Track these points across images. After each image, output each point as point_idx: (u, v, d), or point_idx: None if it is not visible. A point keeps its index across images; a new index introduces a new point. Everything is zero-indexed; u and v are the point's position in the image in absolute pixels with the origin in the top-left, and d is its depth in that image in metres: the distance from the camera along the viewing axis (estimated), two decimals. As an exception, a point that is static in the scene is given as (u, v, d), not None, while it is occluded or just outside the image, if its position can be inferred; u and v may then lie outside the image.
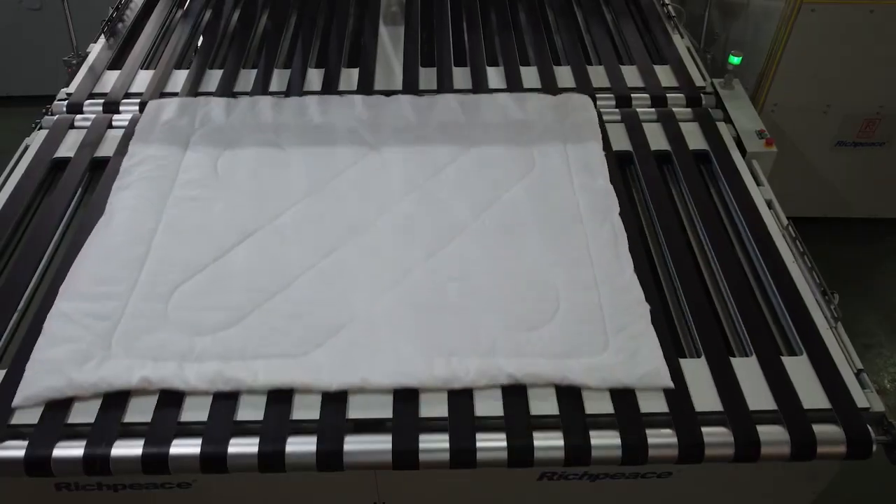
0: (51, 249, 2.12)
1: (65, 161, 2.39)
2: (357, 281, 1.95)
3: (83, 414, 1.67)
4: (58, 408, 1.67)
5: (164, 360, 1.73)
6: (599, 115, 2.52)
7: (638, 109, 2.60)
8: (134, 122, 2.50)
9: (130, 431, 1.64)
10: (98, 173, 2.37)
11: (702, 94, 2.67)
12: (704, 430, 1.65)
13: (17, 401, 1.68)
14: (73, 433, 1.64)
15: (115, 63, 2.85)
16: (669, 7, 3.12)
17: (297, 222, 2.12)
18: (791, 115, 3.02)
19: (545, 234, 2.08)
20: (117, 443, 1.61)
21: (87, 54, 2.90)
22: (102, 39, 2.97)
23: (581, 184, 2.25)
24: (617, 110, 2.60)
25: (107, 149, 2.42)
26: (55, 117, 2.55)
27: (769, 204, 2.27)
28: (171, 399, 1.69)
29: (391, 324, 1.84)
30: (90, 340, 1.77)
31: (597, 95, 2.64)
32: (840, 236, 3.46)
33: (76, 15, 3.01)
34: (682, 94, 2.67)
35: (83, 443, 1.61)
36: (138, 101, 2.62)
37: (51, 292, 1.94)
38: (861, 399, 1.73)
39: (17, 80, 4.29)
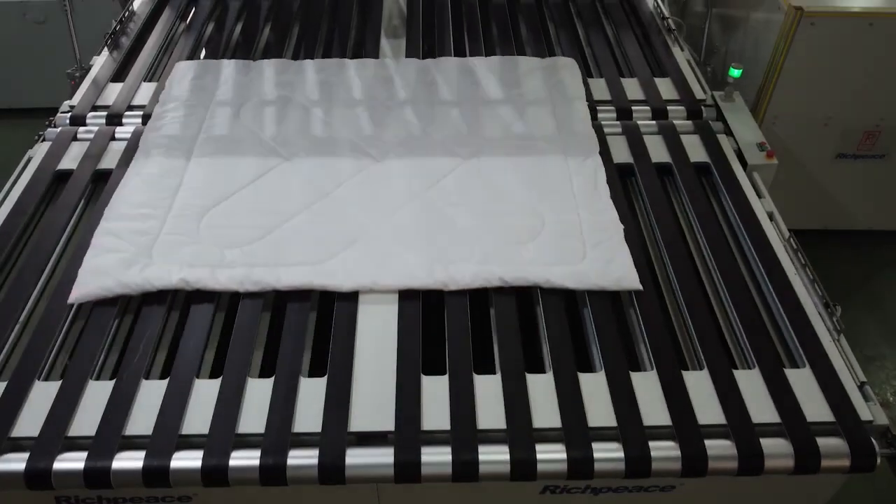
0: (52, 262, 2.12)
1: (67, 173, 2.39)
2: (368, 205, 2.22)
3: (84, 427, 1.66)
4: (58, 420, 1.67)
5: (198, 267, 1.99)
6: (589, 93, 2.70)
7: (639, 122, 2.61)
8: (137, 134, 2.51)
9: (131, 444, 1.64)
10: (101, 185, 2.38)
11: (702, 107, 2.69)
12: (708, 442, 1.65)
13: (72, 297, 1.93)
14: (73, 445, 1.63)
15: (119, 75, 2.86)
16: (669, 20, 3.14)
17: (313, 157, 2.40)
18: (791, 127, 3.02)
19: (533, 169, 2.35)
20: (118, 455, 1.61)
21: (90, 67, 2.92)
22: (106, 52, 2.98)
23: (565, 128, 2.51)
24: (618, 123, 2.60)
25: (109, 161, 2.43)
26: (58, 129, 2.56)
27: (770, 216, 2.27)
28: (172, 411, 1.68)
29: (398, 239, 2.10)
30: (133, 251, 2.04)
31: (598, 108, 2.66)
32: (841, 248, 3.46)
33: (80, 28, 3.03)
34: (682, 107, 2.68)
35: (84, 455, 1.60)
36: (141, 113, 2.63)
37: (52, 304, 1.94)
38: (864, 412, 1.72)
39: (21, 92, 4.31)
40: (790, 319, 1.95)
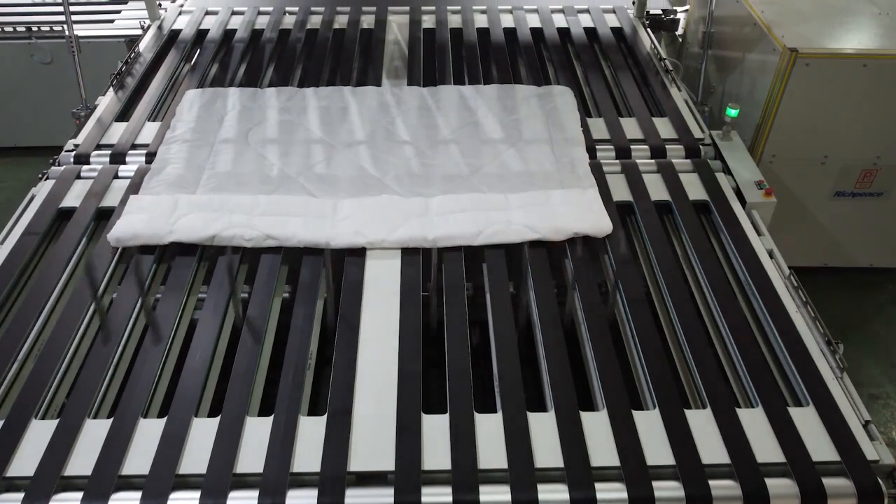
0: (53, 299, 2.12)
1: (70, 211, 2.41)
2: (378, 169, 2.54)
3: (80, 466, 1.64)
4: (54, 461, 1.65)
5: (229, 219, 2.28)
6: (585, 123, 2.81)
7: (638, 161, 2.63)
8: (140, 172, 2.53)
9: (128, 484, 1.62)
10: (103, 223, 2.39)
11: (700, 146, 2.71)
12: (712, 482, 1.63)
13: (111, 236, 2.24)
14: (69, 485, 1.62)
15: (123, 115, 2.90)
16: (666, 62, 3.19)
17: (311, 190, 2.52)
18: (789, 165, 3.05)
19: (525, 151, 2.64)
20: (115, 495, 1.58)
21: (95, 106, 2.96)
22: (111, 92, 3.02)
23: (554, 132, 2.72)
24: (617, 161, 2.63)
25: (112, 199, 2.45)
26: (62, 168, 2.59)
27: (770, 254, 2.27)
28: (170, 450, 1.67)
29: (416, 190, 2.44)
30: (168, 209, 2.32)
31: (597, 147, 2.68)
32: (840, 286, 3.46)
33: (87, 68, 3.08)
34: (681, 146, 2.71)
35: (80, 495, 1.58)
36: (145, 152, 2.66)
37: (52, 342, 1.93)
38: (870, 451, 1.70)
39: (27, 130, 4.37)
40: (792, 358, 1.94)
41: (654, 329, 2.01)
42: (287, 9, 3.62)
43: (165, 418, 1.75)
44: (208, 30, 3.47)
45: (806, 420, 1.77)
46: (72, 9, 3.63)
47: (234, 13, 3.60)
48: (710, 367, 1.90)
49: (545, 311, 2.06)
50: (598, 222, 2.31)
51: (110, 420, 1.75)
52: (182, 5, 3.71)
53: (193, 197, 2.38)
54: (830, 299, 3.37)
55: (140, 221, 2.27)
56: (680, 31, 3.90)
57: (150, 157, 2.62)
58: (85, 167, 2.59)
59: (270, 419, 1.75)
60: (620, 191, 2.50)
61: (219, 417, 1.75)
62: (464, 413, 1.76)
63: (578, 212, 2.33)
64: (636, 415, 1.77)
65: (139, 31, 3.63)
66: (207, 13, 3.61)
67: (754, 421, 1.76)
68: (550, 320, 2.03)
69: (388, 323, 2.01)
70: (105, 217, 2.40)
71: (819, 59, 2.79)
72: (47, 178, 2.56)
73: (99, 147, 2.70)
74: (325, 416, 1.75)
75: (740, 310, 2.11)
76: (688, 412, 1.78)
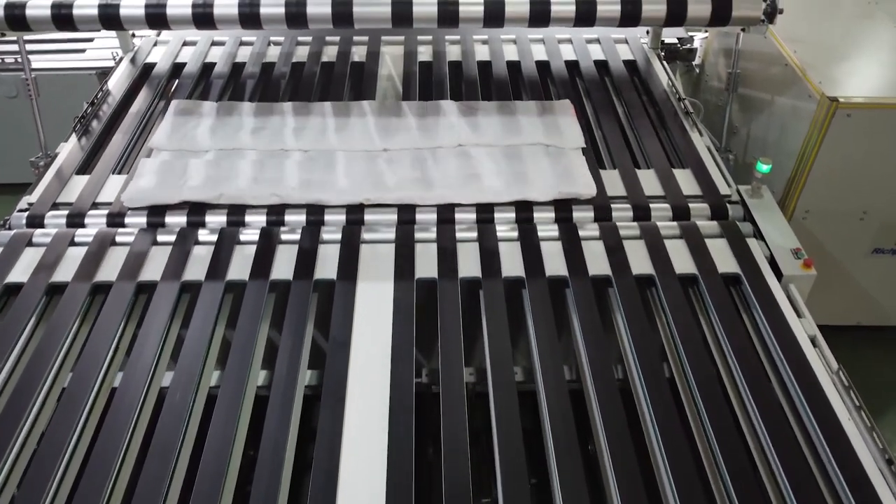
0: None
1: (18, 286, 2.12)
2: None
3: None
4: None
5: (232, 185, 2.40)
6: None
7: (659, 223, 2.35)
8: (99, 237, 2.25)
9: None
10: (56, 298, 2.11)
11: (728, 204, 2.43)
12: None
13: (125, 197, 2.35)
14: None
15: (86, 166, 2.62)
16: (686, 102, 2.90)
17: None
18: (824, 221, 2.77)
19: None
20: None
21: (56, 155, 2.67)
22: (74, 138, 2.74)
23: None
24: (635, 224, 2.34)
25: (65, 272, 2.16)
26: (11, 233, 2.30)
27: (813, 341, 2.00)
28: None
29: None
30: (177, 176, 2.44)
31: (612, 205, 2.40)
32: (874, 346, 3.18)
33: (54, 103, 2.81)
34: (705, 204, 2.43)
35: None
36: (106, 212, 2.37)
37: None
38: None
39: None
40: (846, 477, 1.66)
41: (678, 425, 1.76)
42: (272, 38, 3.33)
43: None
44: (185, 63, 3.19)
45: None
46: (38, 37, 3.35)
47: (213, 43, 3.32)
48: (746, 480, 1.64)
49: (557, 415, 1.79)
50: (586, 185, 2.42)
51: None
52: (158, 34, 3.41)
53: (202, 161, 2.52)
54: (865, 360, 3.10)
55: (149, 184, 2.40)
56: (697, 61, 3.61)
57: (113, 217, 2.34)
58: (38, 231, 2.31)
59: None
60: (640, 260, 2.21)
61: None
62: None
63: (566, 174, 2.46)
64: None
65: (112, 63, 3.34)
66: (185, 44, 3.33)
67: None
68: (562, 419, 1.78)
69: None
70: (58, 292, 2.12)
71: (862, 109, 2.50)
72: (-4, 243, 2.28)
73: (56, 206, 2.42)
74: None
75: (781, 410, 1.84)
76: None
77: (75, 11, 2.69)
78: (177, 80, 3.13)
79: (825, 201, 2.71)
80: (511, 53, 3.26)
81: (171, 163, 2.51)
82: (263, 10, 2.69)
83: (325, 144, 2.63)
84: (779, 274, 2.21)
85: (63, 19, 2.69)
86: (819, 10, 3.13)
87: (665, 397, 1.84)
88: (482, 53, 3.26)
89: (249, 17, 2.69)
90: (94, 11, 2.71)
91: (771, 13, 2.65)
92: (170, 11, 2.71)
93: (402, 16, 2.67)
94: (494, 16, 2.69)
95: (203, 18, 2.71)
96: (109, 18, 2.71)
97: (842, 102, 2.49)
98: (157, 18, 2.72)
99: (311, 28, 2.77)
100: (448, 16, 2.68)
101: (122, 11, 2.71)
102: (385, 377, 1.87)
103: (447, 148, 2.62)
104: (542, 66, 3.20)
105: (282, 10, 2.67)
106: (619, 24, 2.78)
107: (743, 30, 2.75)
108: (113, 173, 2.55)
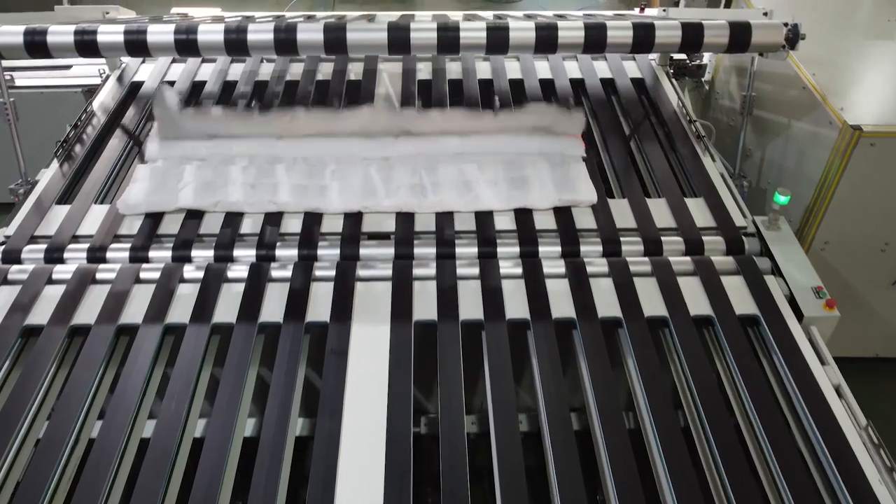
0: None
1: (-10, 329, 2.00)
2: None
3: None
4: None
5: (229, 192, 2.37)
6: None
7: (671, 258, 2.22)
8: (78, 274, 2.13)
9: None
10: (32, 341, 1.98)
11: (743, 236, 2.30)
12: None
13: (120, 203, 2.33)
14: None
15: (67, 195, 2.49)
16: (697, 125, 2.77)
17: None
18: (844, 253, 2.64)
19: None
20: None
21: (36, 182, 2.54)
22: (55, 164, 2.61)
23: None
24: (647, 260, 2.21)
25: (40, 314, 2.03)
26: (-14, 269, 2.17)
27: (838, 391, 1.87)
28: None
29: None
30: (172, 185, 2.40)
31: (622, 239, 2.27)
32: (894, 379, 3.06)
33: (39, 123, 2.67)
34: (720, 237, 2.30)
35: None
36: (87, 245, 2.24)
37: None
38: None
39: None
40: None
41: (694, 481, 1.65)
42: (265, 56, 3.20)
43: None
44: (174, 82, 3.06)
45: None
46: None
47: (204, 60, 3.19)
48: None
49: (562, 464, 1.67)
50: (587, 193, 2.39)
51: None
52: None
53: (197, 168, 2.47)
54: (885, 393, 2.97)
55: (145, 190, 2.37)
56: (707, 77, 3.48)
57: (94, 252, 2.21)
58: (14, 267, 2.18)
59: None
60: (652, 301, 2.09)
61: None
62: None
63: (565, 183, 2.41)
64: None
65: (98, 80, 3.21)
66: (174, 61, 3.20)
67: None
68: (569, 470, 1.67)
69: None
70: (34, 334, 1.99)
71: (886, 138, 2.37)
72: (-32, 281, 2.15)
73: (34, 239, 2.29)
74: None
75: (806, 470, 1.71)
76: None
77: (49, 38, 2.54)
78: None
79: (845, 232, 2.58)
80: (514, 71, 3.12)
81: (167, 169, 2.46)
82: (251, 38, 2.54)
83: (322, 151, 2.56)
84: (799, 314, 2.08)
85: (36, 47, 2.55)
86: (835, 30, 3.00)
87: (679, 448, 1.73)
88: (484, 71, 3.13)
89: (236, 45, 2.54)
90: (70, 39, 2.56)
91: (793, 39, 2.51)
92: (150, 38, 2.56)
93: (399, 43, 2.53)
94: (498, 43, 2.55)
95: (186, 46, 2.57)
96: (86, 46, 2.57)
97: (866, 132, 2.35)
98: (136, 46, 2.57)
99: (301, 55, 2.65)
100: (448, 43, 2.54)
101: (101, 38, 2.56)
102: (381, 428, 1.75)
103: (446, 155, 2.55)
104: (547, 84, 3.07)
105: (270, 36, 2.52)
106: (631, 51, 2.65)
107: (761, 54, 2.61)
108: (95, 203, 2.42)
